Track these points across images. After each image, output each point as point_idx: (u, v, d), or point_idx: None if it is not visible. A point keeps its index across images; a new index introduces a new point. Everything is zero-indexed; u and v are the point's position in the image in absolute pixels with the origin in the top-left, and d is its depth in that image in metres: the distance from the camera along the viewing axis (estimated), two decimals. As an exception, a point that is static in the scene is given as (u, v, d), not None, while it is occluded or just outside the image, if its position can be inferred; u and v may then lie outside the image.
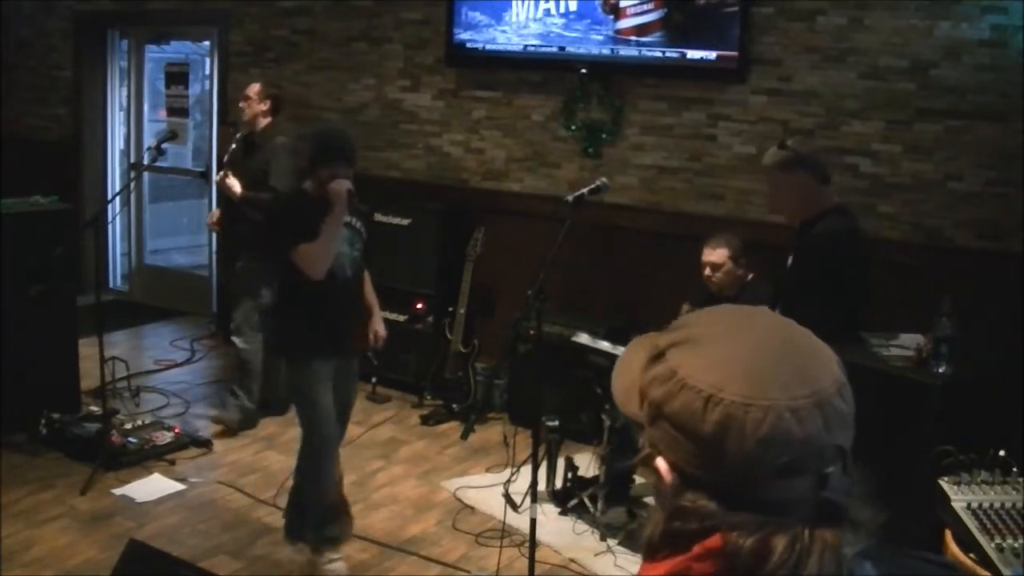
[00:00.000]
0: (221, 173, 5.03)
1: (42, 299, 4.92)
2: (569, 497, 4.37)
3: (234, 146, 5.14)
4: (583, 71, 5.40)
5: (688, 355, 0.92)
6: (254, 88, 5.26)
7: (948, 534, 2.46)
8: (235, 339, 5.26)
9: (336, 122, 6.33)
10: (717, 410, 0.87)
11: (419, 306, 5.80)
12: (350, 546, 3.93)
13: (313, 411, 3.73)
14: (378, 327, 4.03)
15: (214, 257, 5.88)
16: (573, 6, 5.39)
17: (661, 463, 0.92)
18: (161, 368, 6.19)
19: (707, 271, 4.41)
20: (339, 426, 3.86)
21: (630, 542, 4.03)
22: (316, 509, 3.79)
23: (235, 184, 4.96)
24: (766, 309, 1.02)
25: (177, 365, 6.26)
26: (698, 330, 0.95)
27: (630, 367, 1.01)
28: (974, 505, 2.42)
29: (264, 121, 5.21)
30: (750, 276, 4.44)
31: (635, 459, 0.97)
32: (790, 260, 3.72)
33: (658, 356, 0.94)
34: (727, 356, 0.90)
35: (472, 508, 4.44)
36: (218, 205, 5.45)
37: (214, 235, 6.33)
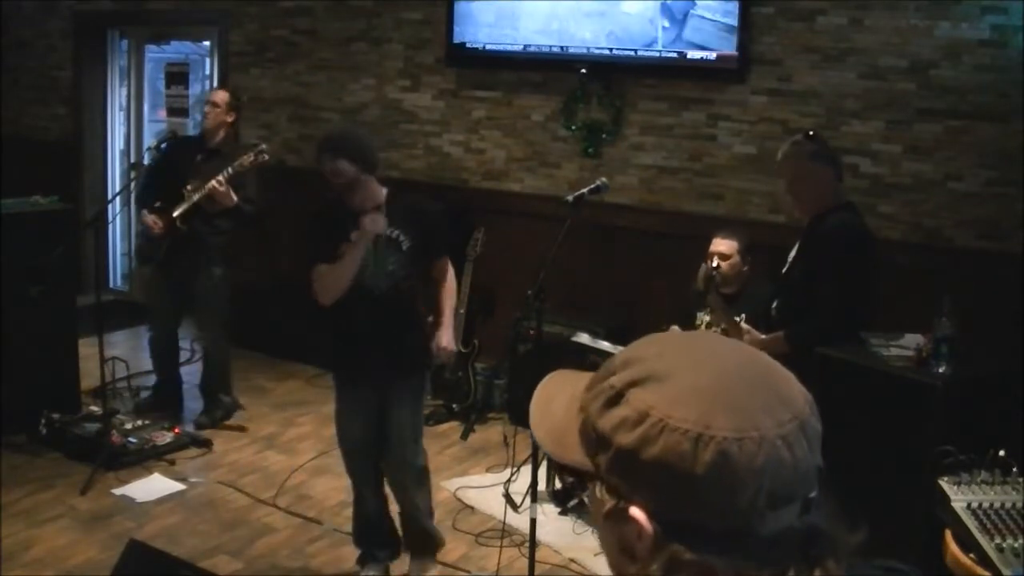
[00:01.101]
0: (220, 180, 4.86)
1: (42, 299, 4.92)
2: (569, 497, 4.37)
3: (263, 156, 4.92)
4: (583, 71, 5.41)
5: (655, 393, 0.85)
6: (222, 96, 5.21)
7: (948, 534, 2.46)
8: (208, 349, 5.31)
9: (336, 122, 6.33)
10: (709, 449, 0.81)
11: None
12: (348, 546, 3.93)
13: (335, 426, 3.73)
14: (442, 340, 3.59)
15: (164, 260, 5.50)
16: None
17: (637, 513, 0.84)
18: (161, 368, 6.18)
19: (714, 261, 4.42)
20: (389, 451, 3.67)
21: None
22: (354, 519, 3.80)
23: (232, 193, 4.90)
24: (709, 332, 0.98)
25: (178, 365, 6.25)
26: (654, 364, 0.87)
27: (551, 410, 0.95)
28: (974, 505, 2.42)
29: (223, 133, 5.19)
30: (750, 277, 4.44)
31: (601, 512, 0.89)
32: (792, 255, 3.70)
33: (616, 398, 0.87)
34: (699, 388, 0.85)
35: (472, 508, 4.44)
36: (158, 210, 5.09)
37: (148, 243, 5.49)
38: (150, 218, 5.08)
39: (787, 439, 0.83)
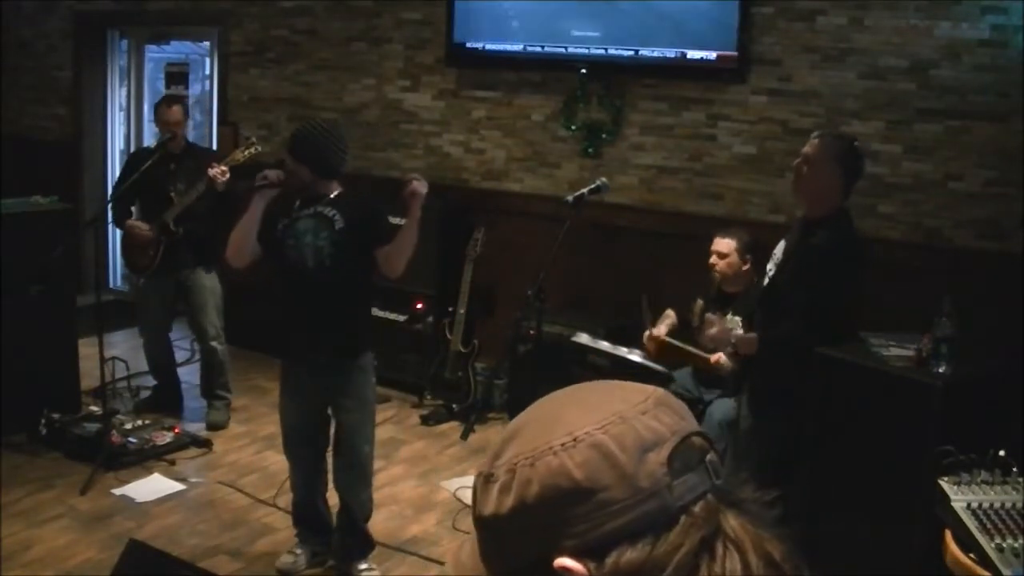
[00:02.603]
0: (222, 169, 4.92)
1: (42, 299, 4.92)
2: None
3: (256, 148, 5.01)
4: (583, 71, 5.41)
5: (513, 448, 0.83)
6: (181, 112, 5.25)
7: (948, 534, 2.46)
8: (214, 343, 5.32)
9: (335, 122, 6.33)
10: (579, 450, 0.79)
11: (419, 306, 5.80)
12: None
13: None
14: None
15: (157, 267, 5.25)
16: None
17: (564, 562, 0.78)
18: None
19: (713, 259, 4.44)
20: (337, 448, 3.78)
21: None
22: (292, 501, 3.95)
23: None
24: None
25: (178, 365, 6.24)
26: (504, 436, 0.87)
27: (462, 563, 0.91)
28: (974, 505, 2.42)
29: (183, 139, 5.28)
30: (753, 277, 4.43)
31: None
32: (779, 254, 3.59)
33: (487, 480, 0.85)
34: (549, 416, 0.84)
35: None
36: (145, 218, 5.19)
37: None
38: (138, 223, 5.16)
39: (648, 413, 0.82)
